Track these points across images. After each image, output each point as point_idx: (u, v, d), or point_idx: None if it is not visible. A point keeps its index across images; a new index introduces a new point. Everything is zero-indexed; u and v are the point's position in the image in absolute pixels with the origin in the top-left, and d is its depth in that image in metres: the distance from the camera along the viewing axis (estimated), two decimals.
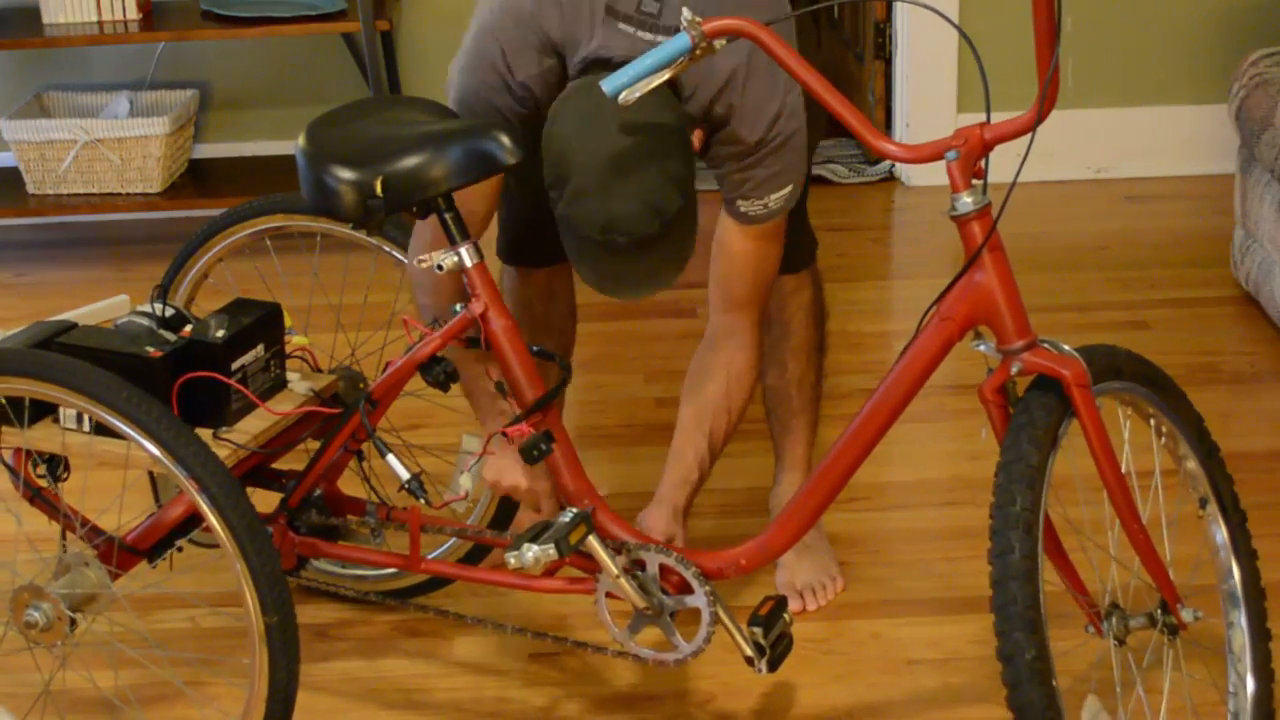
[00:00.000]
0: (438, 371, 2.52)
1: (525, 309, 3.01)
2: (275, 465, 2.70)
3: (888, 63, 4.96)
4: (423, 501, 2.49)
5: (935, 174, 2.18)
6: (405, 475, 2.47)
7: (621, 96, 2.14)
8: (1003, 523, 2.09)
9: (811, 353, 3.04)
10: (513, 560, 2.33)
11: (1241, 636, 2.41)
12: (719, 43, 2.16)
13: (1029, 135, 2.13)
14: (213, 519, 2.32)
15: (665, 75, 2.15)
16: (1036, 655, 2.05)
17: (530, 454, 2.44)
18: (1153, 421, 2.35)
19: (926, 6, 2.28)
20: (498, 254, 2.98)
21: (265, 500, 2.63)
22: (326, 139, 2.49)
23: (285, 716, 2.41)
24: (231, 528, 2.31)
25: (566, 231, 2.37)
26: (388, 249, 2.77)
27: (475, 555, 2.86)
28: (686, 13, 2.14)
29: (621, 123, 2.27)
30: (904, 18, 4.81)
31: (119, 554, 2.52)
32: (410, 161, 2.40)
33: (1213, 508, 2.40)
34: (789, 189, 2.52)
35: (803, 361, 3.03)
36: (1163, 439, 2.36)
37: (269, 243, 2.90)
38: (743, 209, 2.53)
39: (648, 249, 2.34)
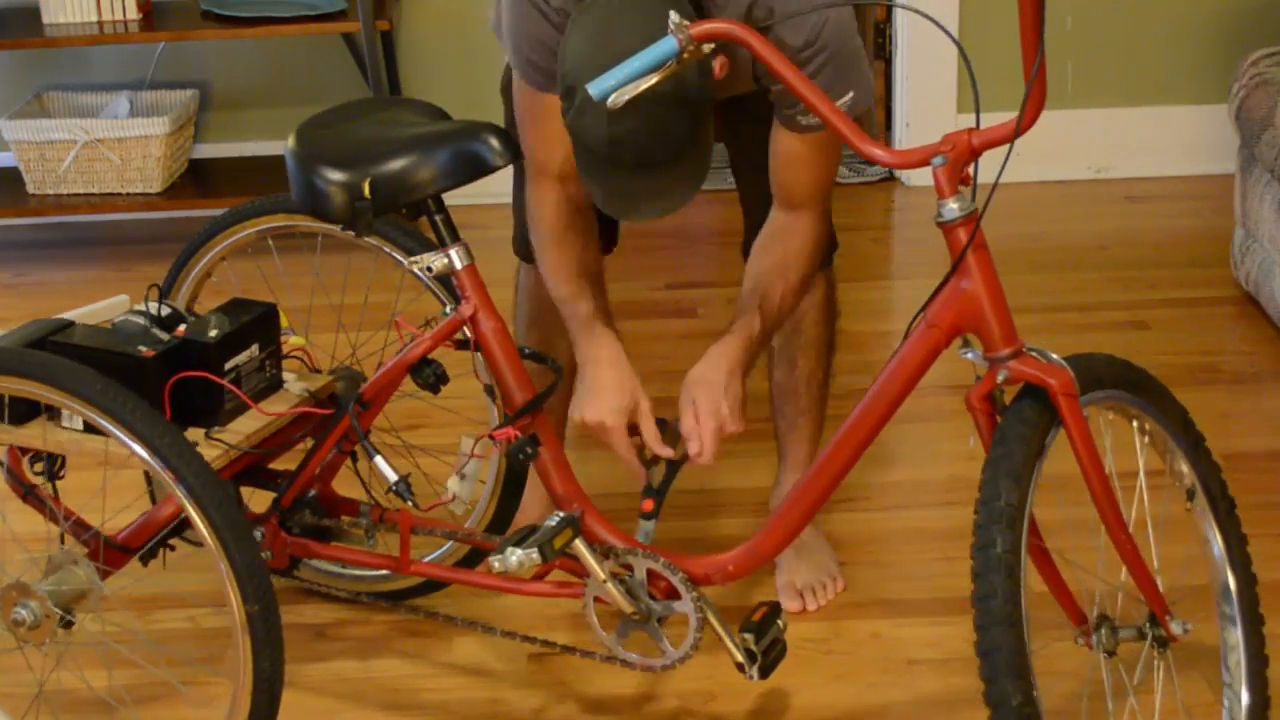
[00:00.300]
0: (428, 374, 2.51)
1: (539, 306, 3.01)
2: (273, 466, 2.70)
3: (888, 63, 4.96)
4: (410, 504, 2.48)
5: None
6: (393, 477, 2.46)
7: (610, 100, 2.13)
8: (984, 566, 2.06)
9: (821, 351, 3.03)
10: (496, 564, 2.33)
11: (1234, 630, 2.39)
12: (706, 46, 2.15)
13: (1009, 146, 2.11)
14: (192, 512, 2.32)
15: (653, 79, 2.13)
16: (1023, 701, 2.02)
17: (516, 458, 2.43)
18: (1135, 422, 2.34)
19: (920, 13, 2.27)
20: (515, 250, 2.98)
21: (266, 501, 2.63)
22: (316, 140, 2.49)
23: (271, 707, 2.40)
24: (210, 520, 2.31)
25: (575, 142, 2.35)
26: (388, 250, 2.76)
27: (474, 558, 2.86)
28: (674, 16, 2.12)
29: (633, 38, 2.21)
30: (903, 18, 4.81)
31: (109, 552, 2.51)
32: (398, 163, 2.40)
33: (1200, 500, 2.37)
34: (850, 96, 2.45)
35: (812, 359, 3.02)
36: (1147, 438, 2.34)
37: (271, 242, 2.90)
38: (800, 120, 2.49)
39: (655, 170, 2.32)
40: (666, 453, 2.48)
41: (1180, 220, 4.59)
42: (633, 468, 2.52)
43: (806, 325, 2.99)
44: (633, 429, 2.51)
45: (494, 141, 2.38)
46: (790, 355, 3.02)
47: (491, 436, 2.47)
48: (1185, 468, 2.37)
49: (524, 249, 2.96)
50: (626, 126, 2.25)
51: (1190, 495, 2.38)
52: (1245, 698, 2.39)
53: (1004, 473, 2.09)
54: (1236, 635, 2.40)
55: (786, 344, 3.01)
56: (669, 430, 2.49)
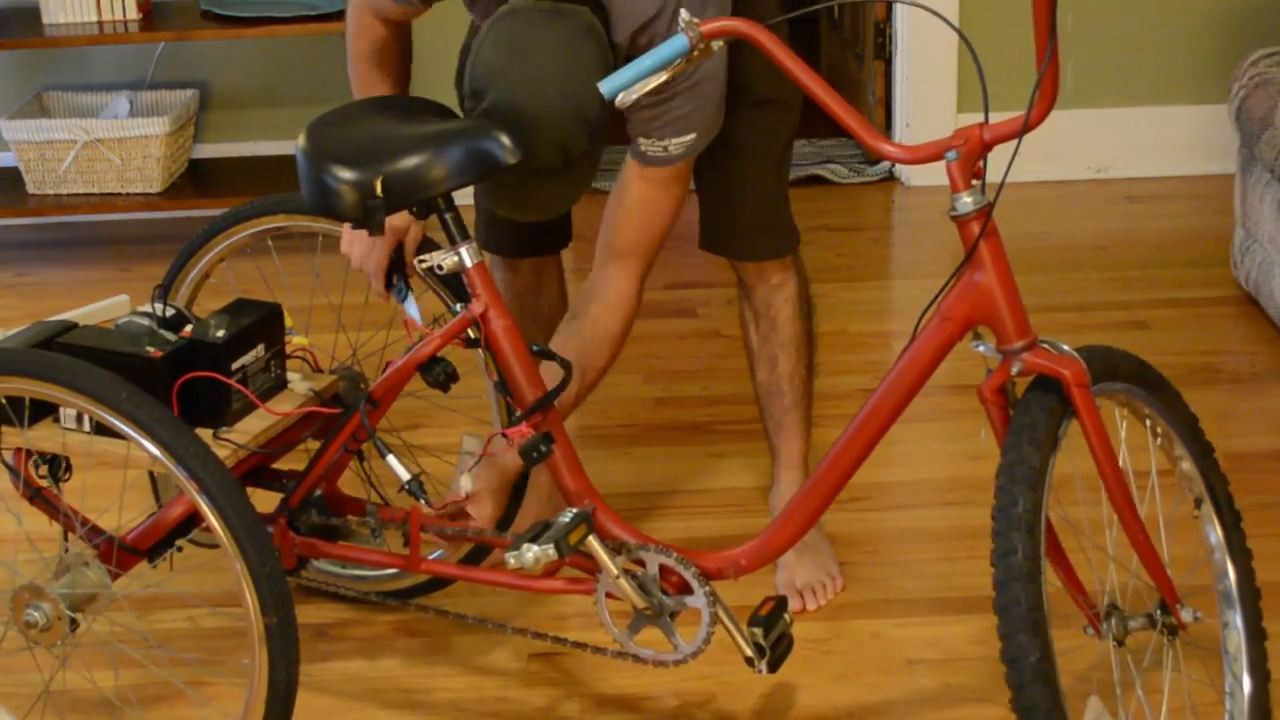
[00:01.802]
0: (438, 372, 2.52)
1: (515, 299, 3.03)
2: (277, 465, 2.70)
3: (888, 63, 4.96)
4: (423, 503, 2.49)
5: (935, 174, 2.18)
6: (405, 476, 2.47)
7: (619, 99, 2.15)
8: (1005, 524, 2.09)
9: (801, 347, 3.05)
10: (512, 560, 2.33)
11: (1237, 636, 2.41)
12: (716, 44, 2.16)
13: (1019, 139, 2.13)
14: (212, 519, 2.32)
15: (663, 77, 2.16)
16: (1041, 657, 2.04)
17: (530, 455, 2.44)
18: (1148, 422, 2.35)
19: (925, 8, 2.28)
20: (476, 241, 2.98)
21: (266, 500, 2.63)
22: (326, 139, 2.49)
23: (285, 716, 2.40)
24: (231, 527, 2.31)
25: None
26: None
27: (476, 556, 2.86)
28: (684, 14, 2.14)
29: (546, 55, 2.35)
30: (904, 18, 4.82)
31: (119, 554, 2.51)
32: (410, 161, 2.40)
33: (1207, 508, 2.39)
34: (692, 137, 2.54)
35: (792, 356, 3.04)
36: (1158, 439, 2.36)
37: (271, 243, 2.90)
38: (643, 147, 2.56)
39: (547, 179, 2.43)
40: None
41: (1180, 220, 4.60)
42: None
43: (782, 322, 3.02)
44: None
45: (504, 140, 2.39)
46: (770, 354, 3.04)
47: (505, 435, 2.47)
48: (1193, 474, 2.38)
49: (485, 239, 2.97)
50: (525, 137, 2.37)
51: (1198, 504, 2.39)
52: (1247, 705, 2.41)
53: (1019, 478, 2.10)
54: (1239, 642, 2.41)
55: (765, 343, 3.03)
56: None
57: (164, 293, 2.80)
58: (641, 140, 2.56)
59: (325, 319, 2.93)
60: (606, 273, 2.65)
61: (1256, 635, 2.42)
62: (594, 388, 2.68)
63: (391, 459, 2.47)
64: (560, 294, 3.11)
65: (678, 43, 2.13)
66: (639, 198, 2.61)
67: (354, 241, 2.70)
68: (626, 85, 2.15)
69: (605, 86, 2.15)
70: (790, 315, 3.01)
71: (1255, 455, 3.38)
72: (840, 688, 2.75)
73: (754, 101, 2.78)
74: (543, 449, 2.44)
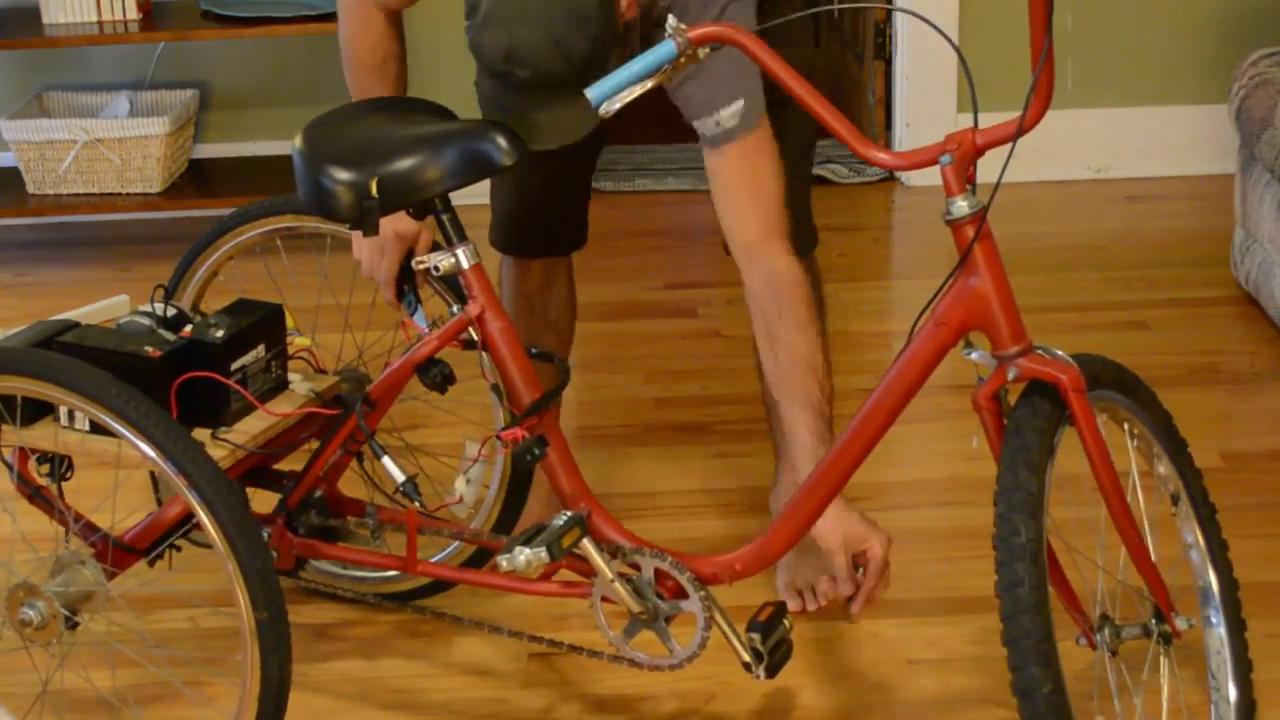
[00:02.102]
0: (435, 374, 2.51)
1: (523, 300, 3.02)
2: (279, 467, 2.70)
3: (888, 63, 4.96)
4: (418, 504, 2.49)
5: (935, 174, 2.17)
6: (401, 478, 2.47)
7: (603, 108, 2.15)
8: (1009, 555, 2.06)
9: (816, 308, 3.01)
10: (505, 564, 2.32)
11: (1217, 634, 2.39)
12: (703, 50, 2.16)
13: (1012, 144, 2.12)
14: (202, 515, 2.32)
15: (650, 84, 2.15)
16: (1053, 689, 2.02)
17: (524, 458, 2.44)
18: (1125, 425, 2.34)
19: (918, 15, 2.28)
20: (490, 242, 2.99)
21: (266, 501, 2.63)
22: (322, 139, 2.49)
23: (278, 713, 2.40)
24: (220, 523, 2.31)
25: (478, 62, 2.45)
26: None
27: (480, 559, 2.86)
28: (672, 20, 2.14)
29: None
30: (904, 18, 4.81)
31: (115, 553, 2.52)
32: (406, 162, 2.40)
33: (1184, 505, 2.38)
34: (739, 104, 2.51)
35: (811, 338, 3.01)
36: (1135, 441, 2.35)
37: (279, 243, 2.90)
38: (700, 129, 2.54)
39: (552, 92, 2.37)
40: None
41: (1180, 220, 4.60)
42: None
43: (793, 309, 2.97)
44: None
45: (501, 140, 2.39)
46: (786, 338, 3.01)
47: (499, 437, 2.47)
48: (1169, 473, 2.37)
49: (502, 239, 2.97)
50: (523, 39, 2.32)
51: (1175, 500, 2.39)
52: (1232, 700, 2.40)
53: (1018, 505, 2.08)
54: (1221, 638, 2.41)
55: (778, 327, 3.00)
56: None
57: (169, 292, 2.81)
58: (697, 125, 2.54)
59: (332, 319, 2.93)
60: (759, 268, 2.59)
61: (1237, 631, 2.40)
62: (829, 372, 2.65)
63: (387, 461, 2.47)
64: (569, 294, 3.10)
65: (665, 49, 2.13)
66: (731, 179, 2.56)
67: (364, 248, 2.68)
68: (613, 93, 2.14)
69: (591, 93, 2.15)
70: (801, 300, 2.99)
71: (1255, 455, 3.38)
72: (840, 688, 2.75)
73: (771, 101, 2.77)
74: (536, 452, 2.43)
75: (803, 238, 2.98)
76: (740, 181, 2.57)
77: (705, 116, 2.52)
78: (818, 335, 2.62)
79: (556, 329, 3.08)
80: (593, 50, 2.35)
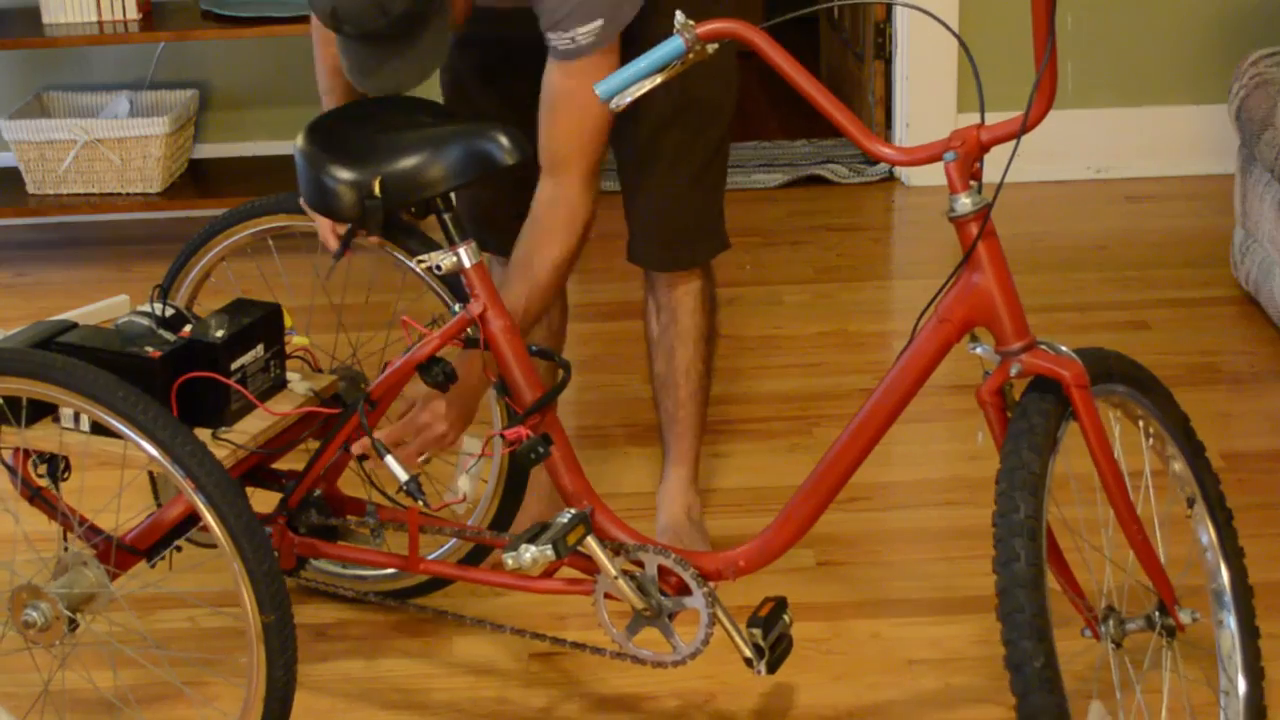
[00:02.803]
0: (436, 372, 2.51)
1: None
2: (276, 465, 2.70)
3: (888, 63, 4.96)
4: (421, 503, 2.49)
5: (935, 174, 2.18)
6: (404, 476, 2.47)
7: (613, 102, 2.15)
8: (1006, 530, 2.08)
9: (699, 341, 3.04)
10: (510, 561, 2.33)
11: (1230, 635, 2.41)
12: (711, 46, 2.16)
13: (1017, 140, 2.13)
14: (209, 518, 2.32)
15: (658, 79, 2.15)
16: (1045, 664, 2.03)
17: (528, 457, 2.44)
18: (1141, 423, 2.35)
19: (923, 10, 2.28)
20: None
21: (266, 500, 2.63)
22: (325, 139, 2.49)
23: (283, 715, 2.41)
24: (228, 527, 2.31)
25: (312, 10, 2.45)
26: (389, 249, 2.77)
27: (476, 556, 2.86)
28: (680, 16, 2.14)
29: None
30: (904, 18, 4.82)
31: (117, 553, 2.51)
32: (408, 162, 2.40)
33: (1200, 507, 2.39)
34: (598, 24, 2.49)
35: (690, 349, 3.03)
36: (1150, 440, 2.35)
37: (271, 243, 2.90)
38: (553, 41, 2.52)
39: (386, 48, 2.40)
40: None
41: (1180, 220, 4.60)
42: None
43: (682, 315, 3.00)
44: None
45: (503, 140, 2.39)
46: (668, 345, 3.03)
47: (503, 435, 2.47)
48: (1185, 474, 2.38)
49: (482, 239, 2.94)
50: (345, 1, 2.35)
51: (1190, 503, 2.39)
52: (1242, 704, 2.41)
53: (1019, 484, 2.09)
54: (1233, 641, 2.41)
55: (664, 333, 3.02)
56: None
57: (164, 292, 2.81)
58: (550, 35, 2.52)
59: (326, 319, 2.93)
60: (550, 183, 2.59)
61: (1250, 634, 2.42)
62: (546, 307, 2.66)
63: (390, 459, 2.47)
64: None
65: (673, 45, 2.13)
66: (563, 95, 2.54)
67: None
68: (622, 88, 2.15)
69: (600, 89, 2.16)
70: (691, 309, 3.00)
71: (1255, 455, 3.38)
72: (840, 688, 2.75)
73: (679, 104, 2.76)
74: (540, 450, 2.43)
75: (709, 246, 2.98)
76: (573, 100, 2.54)
77: (562, 31, 2.50)
78: (565, 264, 2.62)
79: (548, 324, 3.07)
80: (413, 6, 2.37)
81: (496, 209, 2.82)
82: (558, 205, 2.58)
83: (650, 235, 2.95)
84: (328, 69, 2.77)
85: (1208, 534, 2.41)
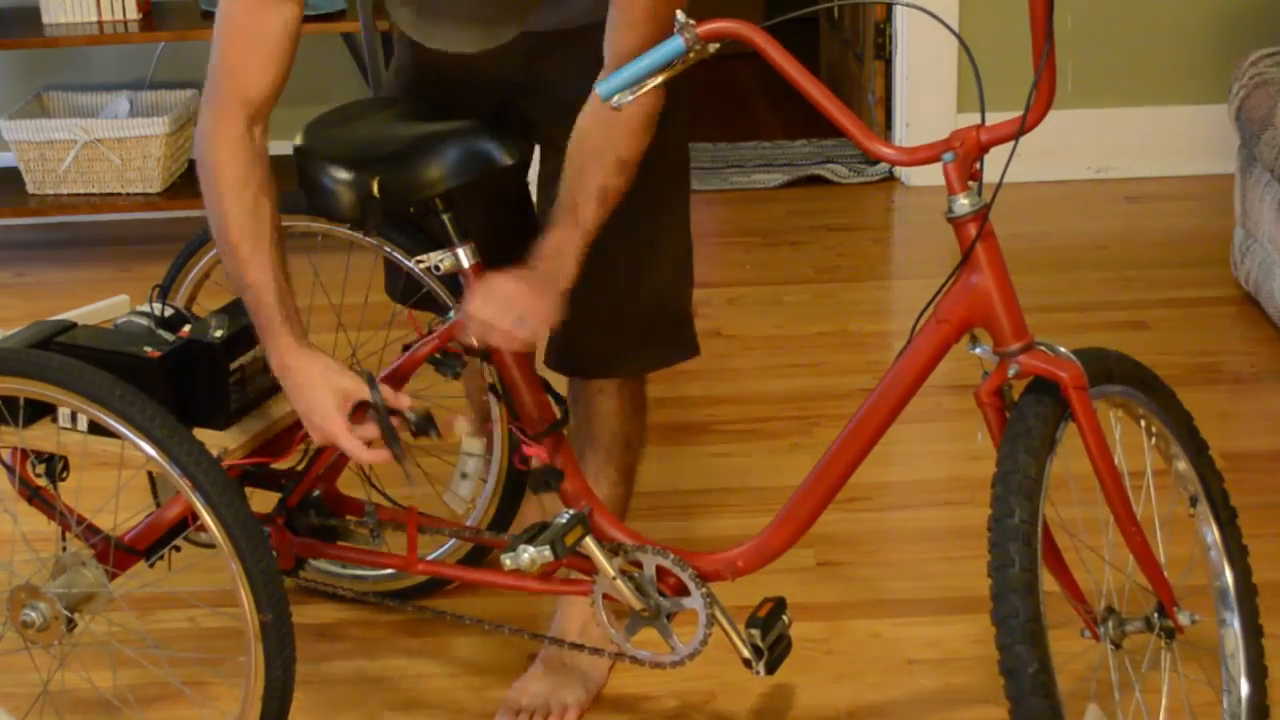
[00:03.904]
0: (453, 361, 2.50)
1: None
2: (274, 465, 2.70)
3: (888, 63, 4.97)
4: (434, 434, 2.39)
5: (935, 174, 2.18)
6: (414, 417, 2.37)
7: (614, 100, 2.15)
8: (1001, 535, 2.07)
9: (614, 447, 2.71)
10: (508, 562, 2.32)
11: (1234, 635, 2.41)
12: (712, 45, 2.16)
13: (1015, 141, 2.13)
14: (207, 517, 2.32)
15: (659, 79, 2.15)
16: (1039, 668, 2.03)
17: (539, 486, 2.44)
18: (1143, 422, 2.35)
19: (923, 10, 2.28)
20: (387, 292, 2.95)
21: (265, 500, 2.63)
22: (324, 139, 2.49)
23: (282, 715, 2.41)
24: (225, 525, 2.31)
25: None
26: (388, 249, 2.77)
27: (476, 556, 2.86)
28: (680, 15, 2.13)
29: None
30: (904, 18, 4.82)
31: (116, 553, 2.51)
32: (408, 162, 2.40)
33: (1203, 507, 2.39)
34: None
35: (601, 455, 2.71)
36: (1153, 440, 2.36)
37: None
38: None
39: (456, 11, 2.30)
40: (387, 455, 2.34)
41: (1180, 220, 4.60)
42: (366, 457, 2.34)
43: (599, 417, 2.70)
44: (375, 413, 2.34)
45: (503, 140, 2.39)
46: (579, 444, 2.68)
47: (523, 454, 2.45)
48: (1189, 474, 2.38)
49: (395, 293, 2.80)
50: None
51: (1194, 502, 2.39)
52: (1244, 704, 2.41)
53: (1015, 488, 2.09)
54: (1236, 641, 2.41)
55: (577, 430, 2.70)
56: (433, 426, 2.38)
57: (163, 293, 2.81)
58: None
59: (325, 319, 2.93)
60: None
61: (1253, 634, 2.42)
62: (611, 198, 2.33)
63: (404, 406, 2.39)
64: None
65: (673, 45, 2.13)
66: (644, 7, 2.27)
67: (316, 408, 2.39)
68: (623, 87, 2.14)
69: (601, 88, 2.15)
70: (609, 409, 2.69)
71: (1255, 455, 3.38)
72: (840, 688, 2.75)
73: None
74: (552, 484, 2.43)
75: (676, 343, 2.77)
76: (642, 14, 2.27)
77: None
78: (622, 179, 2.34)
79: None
80: None
81: (496, 222, 2.83)
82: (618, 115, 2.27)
83: (588, 331, 2.57)
84: (252, 233, 2.41)
85: (1211, 533, 2.41)
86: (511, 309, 2.28)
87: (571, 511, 2.40)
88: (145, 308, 2.60)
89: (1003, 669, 2.05)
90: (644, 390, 2.75)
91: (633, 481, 2.76)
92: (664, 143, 2.40)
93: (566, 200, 2.33)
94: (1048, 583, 2.13)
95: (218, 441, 2.46)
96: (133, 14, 4.49)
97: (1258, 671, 2.42)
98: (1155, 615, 2.29)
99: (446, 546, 2.90)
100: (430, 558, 2.82)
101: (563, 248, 2.32)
